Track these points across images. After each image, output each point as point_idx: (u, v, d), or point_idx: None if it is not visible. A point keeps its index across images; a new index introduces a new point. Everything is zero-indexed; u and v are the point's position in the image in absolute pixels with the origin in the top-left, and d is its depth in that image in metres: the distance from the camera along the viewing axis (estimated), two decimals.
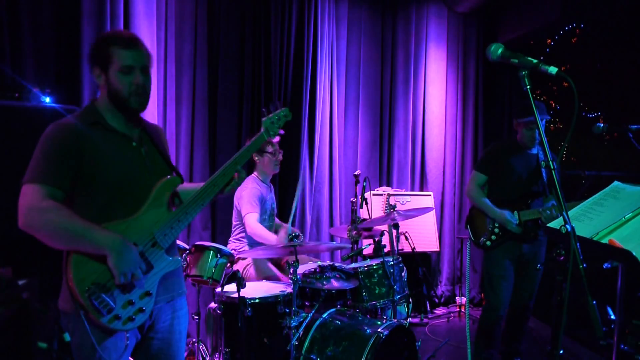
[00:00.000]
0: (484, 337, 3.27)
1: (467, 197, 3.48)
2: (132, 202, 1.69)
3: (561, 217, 3.08)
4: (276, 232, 3.51)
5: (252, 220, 3.30)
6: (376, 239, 3.45)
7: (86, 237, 1.55)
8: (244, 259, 3.42)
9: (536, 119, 1.60)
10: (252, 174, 3.57)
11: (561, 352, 1.74)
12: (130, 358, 1.80)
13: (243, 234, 3.48)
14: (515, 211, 3.16)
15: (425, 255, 5.13)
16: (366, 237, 3.67)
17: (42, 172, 1.58)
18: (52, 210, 1.55)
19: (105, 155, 1.66)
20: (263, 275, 3.35)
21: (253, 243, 3.43)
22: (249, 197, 3.35)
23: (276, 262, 3.57)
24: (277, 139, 2.02)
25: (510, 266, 3.22)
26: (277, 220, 3.79)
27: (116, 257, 1.54)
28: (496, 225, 3.21)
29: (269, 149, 3.50)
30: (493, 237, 3.23)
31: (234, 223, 3.56)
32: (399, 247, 3.90)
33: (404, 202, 4.74)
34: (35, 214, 1.55)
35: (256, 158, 3.53)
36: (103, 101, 1.73)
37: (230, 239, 3.57)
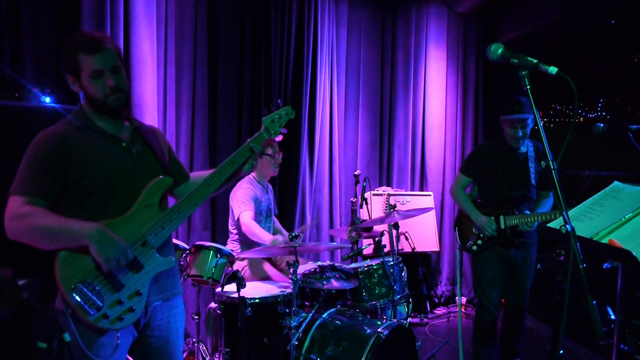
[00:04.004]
0: (480, 337, 3.24)
1: (451, 196, 3.44)
2: (124, 202, 1.69)
3: (540, 223, 3.01)
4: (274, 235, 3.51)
5: (247, 218, 3.29)
6: (376, 239, 3.45)
7: (64, 232, 1.56)
8: (242, 260, 3.42)
9: (536, 117, 1.60)
10: (249, 174, 3.54)
11: (561, 352, 1.75)
12: (128, 357, 1.80)
13: (238, 236, 3.48)
14: (502, 216, 3.10)
15: (425, 255, 5.13)
16: (366, 237, 3.67)
17: (23, 183, 1.61)
18: (29, 215, 1.57)
19: (93, 157, 1.67)
20: (259, 276, 3.35)
21: (246, 246, 3.43)
22: (243, 197, 3.35)
23: (273, 264, 3.57)
24: (279, 138, 2.01)
25: (499, 268, 3.17)
26: (277, 224, 3.78)
27: (97, 245, 1.54)
28: None
29: (269, 150, 3.49)
30: (479, 241, 3.17)
31: (230, 224, 3.56)
32: (399, 247, 3.90)
33: (404, 202, 4.74)
34: (14, 222, 1.58)
35: None
36: (87, 106, 1.75)
37: (228, 241, 3.57)
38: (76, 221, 1.59)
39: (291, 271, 2.62)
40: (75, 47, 1.66)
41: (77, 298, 1.54)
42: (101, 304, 1.57)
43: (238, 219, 3.34)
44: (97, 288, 1.58)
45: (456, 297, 5.13)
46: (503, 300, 3.37)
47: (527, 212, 3.09)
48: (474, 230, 3.21)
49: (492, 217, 3.11)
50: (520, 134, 3.05)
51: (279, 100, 2.04)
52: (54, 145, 1.64)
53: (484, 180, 3.28)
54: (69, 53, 1.68)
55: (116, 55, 1.72)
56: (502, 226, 3.09)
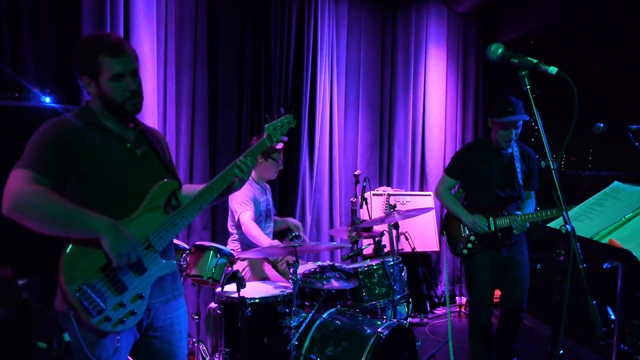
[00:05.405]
0: (478, 338, 3.19)
1: (436, 198, 3.37)
2: (127, 203, 1.68)
3: (532, 222, 2.96)
4: (279, 229, 3.50)
5: (247, 218, 3.29)
6: (376, 239, 3.45)
7: (79, 220, 1.54)
8: (242, 260, 3.42)
9: (537, 119, 1.59)
10: None
11: (561, 352, 1.75)
12: (129, 358, 1.80)
13: (238, 236, 3.49)
14: (491, 218, 3.05)
15: (425, 255, 5.13)
16: (366, 237, 3.67)
17: (32, 159, 1.57)
18: (42, 194, 1.52)
19: (98, 155, 1.65)
20: (259, 277, 3.36)
21: (246, 246, 3.43)
22: (242, 198, 3.35)
23: (274, 265, 3.57)
24: (280, 145, 2.02)
25: (492, 269, 3.12)
26: (277, 217, 3.78)
27: (112, 239, 1.53)
28: (472, 232, 3.10)
29: (275, 156, 3.52)
30: (469, 245, 3.11)
31: (229, 224, 3.56)
32: (399, 247, 3.90)
33: (404, 202, 4.74)
34: (23, 198, 1.51)
35: (260, 160, 3.53)
36: (96, 104, 1.73)
37: (228, 241, 3.57)
38: (92, 212, 1.56)
39: (291, 271, 2.63)
40: (96, 49, 1.64)
41: (81, 300, 1.53)
42: (104, 307, 1.56)
43: (238, 219, 3.35)
44: (100, 290, 1.57)
45: (457, 297, 5.14)
46: (497, 300, 3.33)
47: (518, 212, 3.05)
48: (462, 233, 3.16)
49: (482, 216, 3.07)
50: (514, 135, 3.01)
51: (281, 109, 2.05)
52: (63, 134, 1.62)
53: (470, 181, 3.22)
54: (88, 54, 1.65)
55: (136, 60, 1.72)
56: (492, 228, 3.05)
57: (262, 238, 3.25)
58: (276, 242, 3.22)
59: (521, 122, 3.00)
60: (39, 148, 1.59)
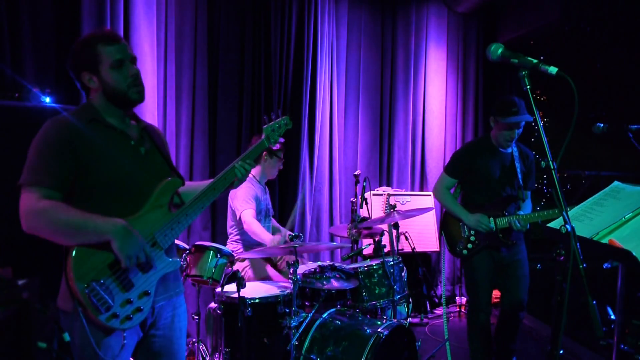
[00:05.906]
0: (477, 338, 3.19)
1: (435, 198, 3.35)
2: (132, 201, 1.68)
3: (532, 222, 2.96)
4: (274, 234, 3.51)
5: (249, 217, 3.30)
6: (376, 239, 3.45)
7: (88, 227, 1.55)
8: (242, 260, 3.43)
9: (536, 120, 1.59)
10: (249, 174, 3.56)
11: (561, 352, 1.75)
12: (130, 358, 1.80)
13: (239, 236, 3.49)
14: (491, 218, 3.04)
15: (425, 255, 5.13)
16: (366, 237, 3.66)
17: (37, 173, 1.58)
18: (50, 210, 1.55)
19: (102, 152, 1.65)
20: (260, 276, 3.36)
21: (249, 245, 3.44)
22: (244, 196, 3.36)
23: (274, 264, 3.58)
24: (277, 146, 2.07)
25: (491, 269, 3.11)
26: (275, 223, 3.78)
27: (120, 241, 1.55)
28: (472, 232, 3.09)
29: (279, 153, 3.54)
30: (469, 245, 3.09)
31: (229, 224, 3.56)
32: (399, 247, 3.90)
33: (404, 202, 4.74)
34: (34, 217, 1.55)
35: (265, 158, 3.53)
36: (98, 100, 1.73)
37: (227, 241, 3.57)
38: (100, 216, 1.57)
39: (291, 271, 2.63)
40: (93, 40, 1.68)
41: (90, 297, 1.54)
42: (112, 303, 1.57)
43: (240, 218, 3.35)
44: (109, 287, 1.58)
45: (456, 297, 5.14)
46: (497, 300, 3.32)
47: (520, 212, 3.04)
48: (462, 234, 3.15)
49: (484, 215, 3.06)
50: (516, 135, 3.01)
51: (279, 110, 2.10)
52: (66, 134, 1.61)
53: (470, 181, 3.20)
54: (86, 47, 1.68)
55: (131, 50, 1.76)
56: (493, 228, 3.04)
57: (264, 234, 3.25)
58: (278, 238, 3.21)
59: (523, 123, 2.99)
60: (42, 158, 1.60)
